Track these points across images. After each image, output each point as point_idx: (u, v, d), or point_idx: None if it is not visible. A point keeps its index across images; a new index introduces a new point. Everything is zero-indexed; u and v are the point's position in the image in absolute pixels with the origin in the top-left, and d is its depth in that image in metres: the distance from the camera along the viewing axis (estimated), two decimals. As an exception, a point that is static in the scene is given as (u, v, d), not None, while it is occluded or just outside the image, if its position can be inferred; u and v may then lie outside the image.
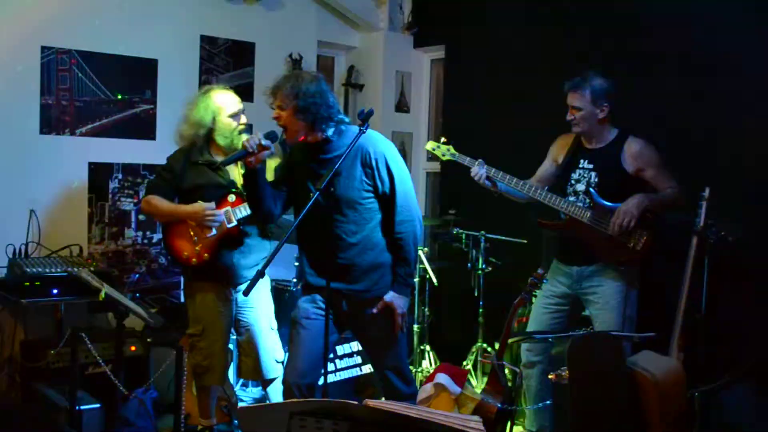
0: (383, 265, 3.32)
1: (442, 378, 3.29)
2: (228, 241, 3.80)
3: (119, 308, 3.65)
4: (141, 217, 5.19)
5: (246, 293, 2.93)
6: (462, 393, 3.22)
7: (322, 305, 3.32)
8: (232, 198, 3.82)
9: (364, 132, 3.12)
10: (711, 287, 3.57)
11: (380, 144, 3.28)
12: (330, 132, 3.23)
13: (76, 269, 4.05)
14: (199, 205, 3.75)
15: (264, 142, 3.15)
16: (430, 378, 3.34)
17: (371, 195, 3.26)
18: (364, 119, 3.14)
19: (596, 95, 3.85)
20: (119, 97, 5.06)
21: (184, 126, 3.88)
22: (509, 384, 3.56)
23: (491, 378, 3.40)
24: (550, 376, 3.13)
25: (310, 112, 3.14)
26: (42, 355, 4.17)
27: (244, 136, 3.62)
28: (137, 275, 5.23)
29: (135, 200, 5.17)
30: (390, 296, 3.29)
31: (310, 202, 2.97)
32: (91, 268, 4.37)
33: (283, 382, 3.42)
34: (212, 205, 3.74)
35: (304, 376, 3.31)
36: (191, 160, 3.86)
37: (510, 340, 3.53)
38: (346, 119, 3.31)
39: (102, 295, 3.50)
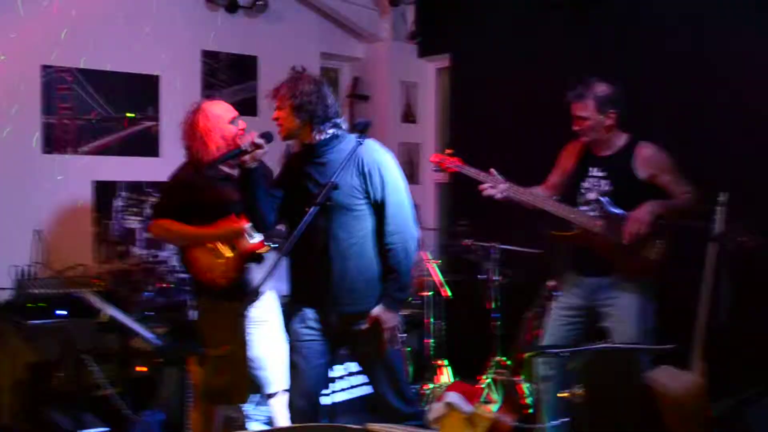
0: (373, 278, 3.22)
1: (453, 397, 3.18)
2: (253, 257, 3.71)
3: (123, 329, 3.59)
4: (147, 234, 5.13)
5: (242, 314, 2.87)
6: (474, 412, 3.12)
7: (313, 324, 3.28)
8: None
9: (361, 143, 3.08)
10: (732, 296, 3.47)
11: (376, 152, 3.22)
12: (327, 133, 3.21)
13: (80, 291, 3.98)
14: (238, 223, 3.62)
15: (258, 140, 3.13)
16: (440, 397, 3.24)
17: (363, 201, 3.19)
18: (362, 130, 3.09)
19: (601, 103, 3.75)
20: (127, 115, 5.02)
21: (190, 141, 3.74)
22: (525, 401, 3.46)
23: (506, 395, 3.30)
24: (563, 394, 3.01)
25: (305, 111, 3.15)
26: (48, 377, 4.12)
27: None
28: (151, 293, 5.16)
29: (140, 218, 5.12)
30: (377, 310, 3.18)
31: (308, 216, 2.90)
32: (97, 289, 4.32)
33: (289, 407, 3.36)
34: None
35: (303, 401, 3.29)
36: (205, 174, 3.69)
37: (524, 355, 3.43)
38: (343, 125, 3.29)
39: (105, 316, 3.44)
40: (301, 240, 3.11)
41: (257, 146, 3.14)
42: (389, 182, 3.19)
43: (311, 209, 2.94)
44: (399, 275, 3.18)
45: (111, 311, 3.60)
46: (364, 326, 3.16)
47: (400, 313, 3.25)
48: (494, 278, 4.87)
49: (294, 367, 3.32)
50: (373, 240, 3.21)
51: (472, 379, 4.93)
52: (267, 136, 3.17)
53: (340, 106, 3.30)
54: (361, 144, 3.11)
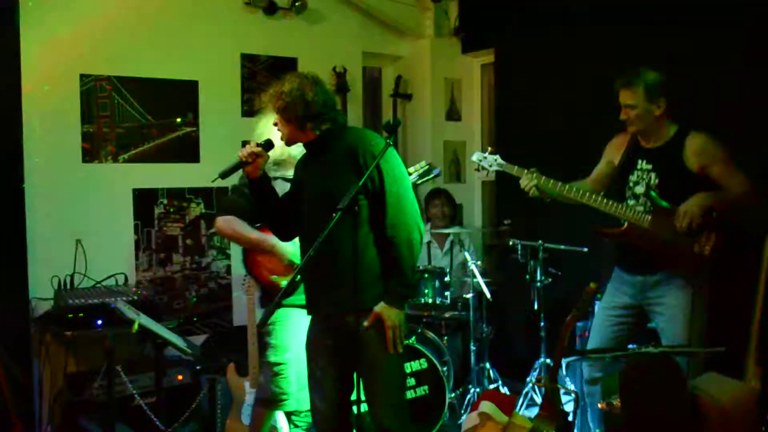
0: (376, 276, 3.05)
1: (487, 406, 3.02)
2: None
3: (156, 339, 3.54)
4: (188, 241, 5.12)
5: (261, 325, 2.75)
6: (510, 421, 2.95)
7: (323, 329, 3.16)
8: None
9: (390, 144, 2.93)
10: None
11: (371, 144, 3.05)
12: (320, 130, 3.10)
13: (112, 300, 3.96)
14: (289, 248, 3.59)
15: (255, 149, 3.06)
16: (474, 407, 3.08)
17: (363, 196, 3.01)
18: (390, 131, 2.95)
19: (651, 91, 3.56)
20: (167, 121, 5.01)
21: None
22: (564, 407, 3.27)
23: (545, 402, 3.11)
24: (600, 405, 2.82)
25: (290, 112, 3.04)
26: (86, 387, 4.12)
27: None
28: (195, 299, 5.15)
29: (181, 225, 5.10)
30: (379, 307, 3.01)
31: (332, 223, 2.76)
32: (134, 297, 4.31)
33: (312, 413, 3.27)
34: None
35: (324, 405, 3.17)
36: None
37: (565, 360, 3.25)
38: (340, 119, 3.17)
39: (135, 326, 3.39)
40: (306, 244, 3.04)
41: (257, 155, 3.06)
42: (387, 173, 3.02)
43: (335, 216, 2.80)
44: (402, 270, 3.02)
45: (143, 321, 3.56)
46: (367, 325, 3.00)
47: (404, 311, 3.05)
48: (539, 278, 4.71)
49: (312, 373, 3.21)
50: (375, 236, 3.05)
51: (517, 382, 4.78)
52: (266, 144, 3.11)
53: (333, 98, 3.17)
54: (389, 146, 2.97)
